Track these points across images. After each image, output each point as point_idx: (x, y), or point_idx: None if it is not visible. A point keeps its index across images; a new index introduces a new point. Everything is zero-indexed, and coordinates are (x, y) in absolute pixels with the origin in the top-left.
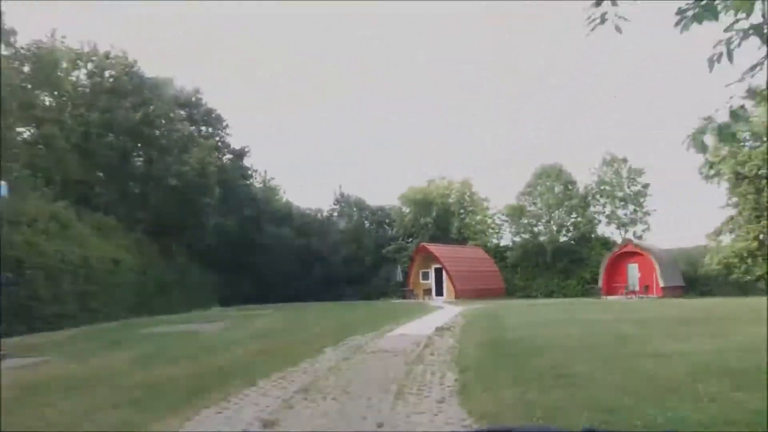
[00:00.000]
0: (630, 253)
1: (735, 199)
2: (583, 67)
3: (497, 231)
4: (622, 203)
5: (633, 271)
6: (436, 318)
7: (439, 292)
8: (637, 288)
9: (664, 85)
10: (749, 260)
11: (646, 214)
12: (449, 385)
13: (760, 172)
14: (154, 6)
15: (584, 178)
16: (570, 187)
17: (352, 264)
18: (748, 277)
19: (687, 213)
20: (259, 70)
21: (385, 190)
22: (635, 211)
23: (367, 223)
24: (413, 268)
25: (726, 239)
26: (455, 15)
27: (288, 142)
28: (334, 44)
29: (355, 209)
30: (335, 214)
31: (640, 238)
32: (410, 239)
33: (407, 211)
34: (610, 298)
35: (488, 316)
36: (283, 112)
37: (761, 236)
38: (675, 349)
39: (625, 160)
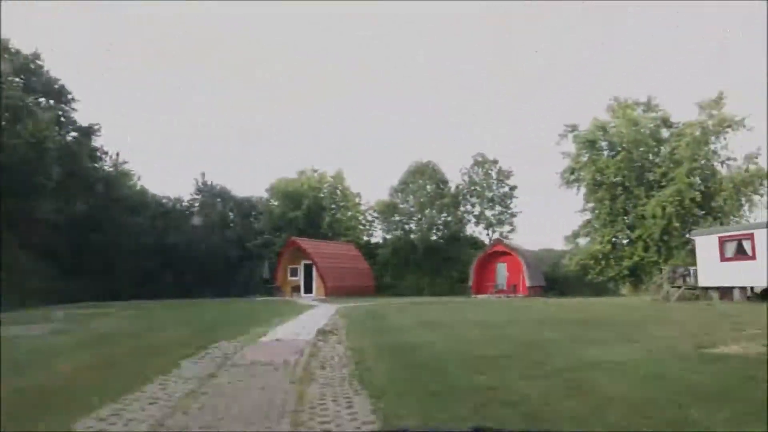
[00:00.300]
0: (499, 253)
1: (591, 204)
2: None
3: (369, 228)
4: (491, 204)
5: (502, 270)
6: (312, 318)
7: (308, 290)
8: (505, 287)
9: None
10: (603, 262)
11: (513, 215)
12: (367, 419)
13: (616, 180)
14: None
15: (456, 177)
16: (442, 185)
17: (214, 259)
18: (602, 278)
19: (548, 216)
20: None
21: (253, 181)
22: (502, 212)
23: (231, 215)
24: (281, 264)
25: (582, 242)
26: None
27: (151, 124)
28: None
29: (218, 199)
30: (196, 204)
31: (506, 238)
32: (278, 233)
33: (276, 203)
34: (480, 296)
35: (371, 316)
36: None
37: (614, 240)
38: (603, 358)
39: (495, 162)
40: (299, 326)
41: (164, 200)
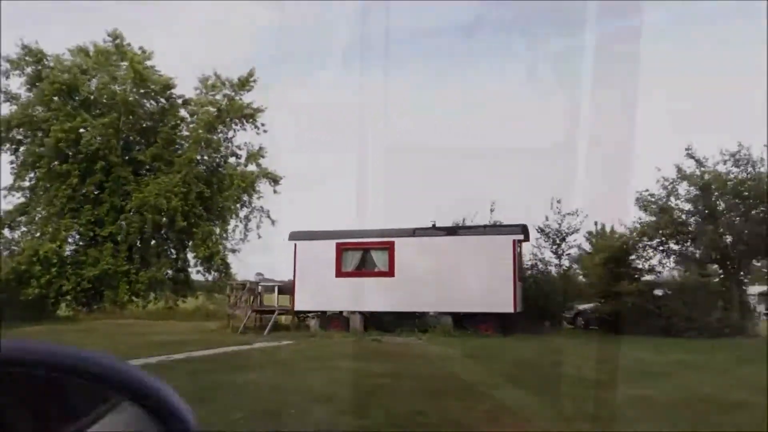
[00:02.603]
0: None
1: (32, 180)
2: None
3: None
4: None
5: None
6: None
7: None
8: None
9: None
10: (57, 268)
11: None
12: None
13: (95, 150)
14: None
15: None
16: None
17: None
18: (49, 292)
19: None
20: None
21: None
22: None
23: None
24: None
25: (10, 235)
26: None
27: None
28: None
29: None
30: None
31: None
32: None
33: None
34: None
35: None
36: None
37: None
38: None
39: None
40: None
41: None
